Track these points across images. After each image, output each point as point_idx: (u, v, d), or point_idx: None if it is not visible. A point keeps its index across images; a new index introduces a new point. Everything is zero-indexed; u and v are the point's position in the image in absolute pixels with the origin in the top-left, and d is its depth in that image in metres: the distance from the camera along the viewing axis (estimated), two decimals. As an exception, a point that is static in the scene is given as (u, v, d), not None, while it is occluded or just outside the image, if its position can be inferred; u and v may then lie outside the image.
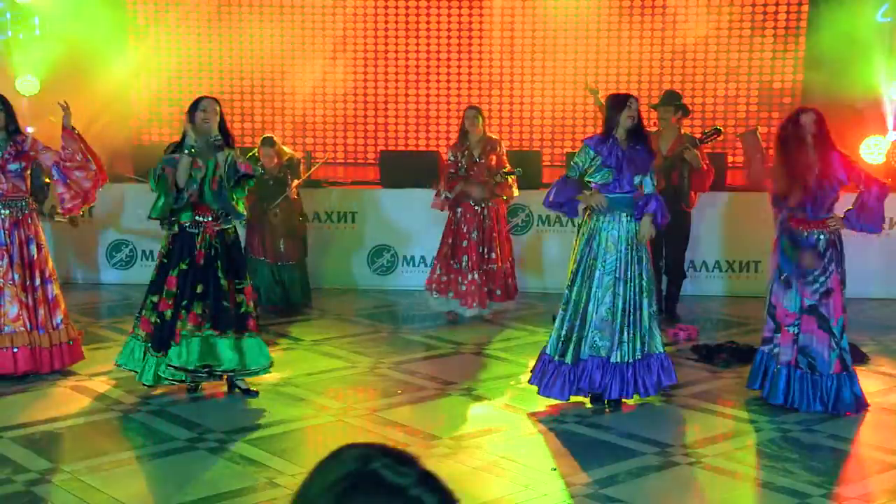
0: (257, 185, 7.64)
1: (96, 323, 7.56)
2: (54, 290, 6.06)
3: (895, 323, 7.60)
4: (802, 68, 10.23)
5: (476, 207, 7.50)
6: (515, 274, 7.73)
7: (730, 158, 9.54)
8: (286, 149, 8.02)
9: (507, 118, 10.65)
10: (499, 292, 7.56)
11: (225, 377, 5.68)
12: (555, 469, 4.62)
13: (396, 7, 10.80)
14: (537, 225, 8.76)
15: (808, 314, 5.42)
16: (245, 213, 5.81)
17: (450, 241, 7.57)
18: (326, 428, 5.28)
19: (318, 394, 5.76)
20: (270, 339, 6.85)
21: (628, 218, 5.39)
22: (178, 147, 5.55)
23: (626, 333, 5.36)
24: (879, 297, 8.12)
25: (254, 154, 7.88)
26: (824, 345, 5.39)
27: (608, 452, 4.83)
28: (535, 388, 5.58)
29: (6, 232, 5.89)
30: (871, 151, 8.83)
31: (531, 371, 5.66)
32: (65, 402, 5.60)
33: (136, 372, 5.62)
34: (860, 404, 5.41)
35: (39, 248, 6.00)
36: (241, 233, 7.41)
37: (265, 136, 8.05)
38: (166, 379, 5.54)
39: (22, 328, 5.88)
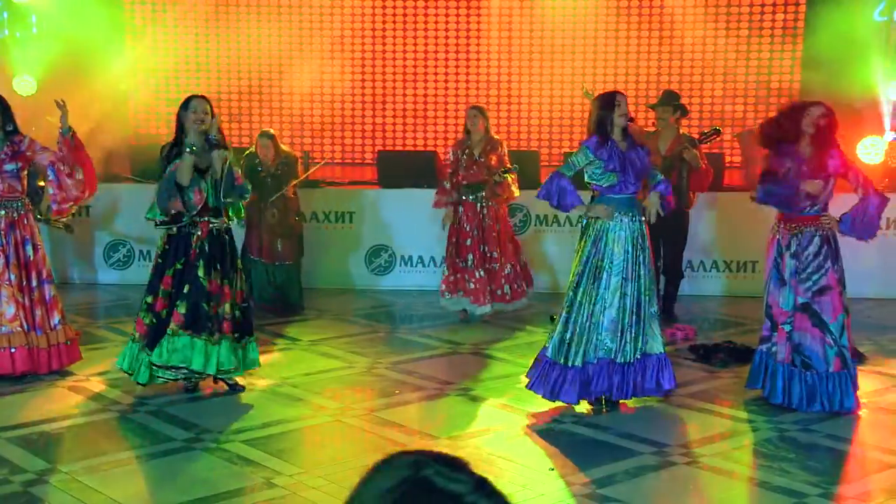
0: (255, 182, 7.66)
1: (94, 323, 7.55)
2: (51, 290, 6.06)
3: (892, 323, 7.61)
4: (800, 68, 10.24)
5: (476, 206, 7.51)
6: (523, 276, 7.66)
7: (727, 158, 9.55)
8: (284, 147, 8.03)
9: (504, 118, 10.65)
10: (499, 292, 7.56)
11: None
12: (552, 469, 4.62)
13: (394, 7, 10.80)
14: (535, 224, 8.76)
15: (801, 312, 5.43)
16: (242, 214, 5.80)
17: (454, 240, 7.59)
18: (324, 428, 5.28)
19: (316, 394, 5.76)
20: (267, 338, 6.86)
21: (632, 218, 5.37)
22: (173, 146, 5.55)
23: (629, 333, 5.35)
24: (876, 297, 8.12)
25: (251, 152, 7.88)
26: (818, 342, 5.39)
27: (606, 452, 4.83)
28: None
29: (2, 232, 5.88)
30: (869, 151, 8.84)
31: (527, 376, 5.55)
32: (62, 402, 5.59)
33: (130, 372, 5.61)
34: (858, 404, 5.41)
35: (36, 248, 5.99)
36: (240, 233, 7.44)
37: (263, 129, 8.06)
38: (160, 378, 5.55)
39: (19, 328, 5.87)
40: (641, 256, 5.38)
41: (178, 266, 5.53)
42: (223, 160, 5.47)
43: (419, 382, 6.02)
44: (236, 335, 5.68)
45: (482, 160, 7.49)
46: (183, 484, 4.41)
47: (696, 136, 7.49)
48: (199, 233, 5.54)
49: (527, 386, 5.51)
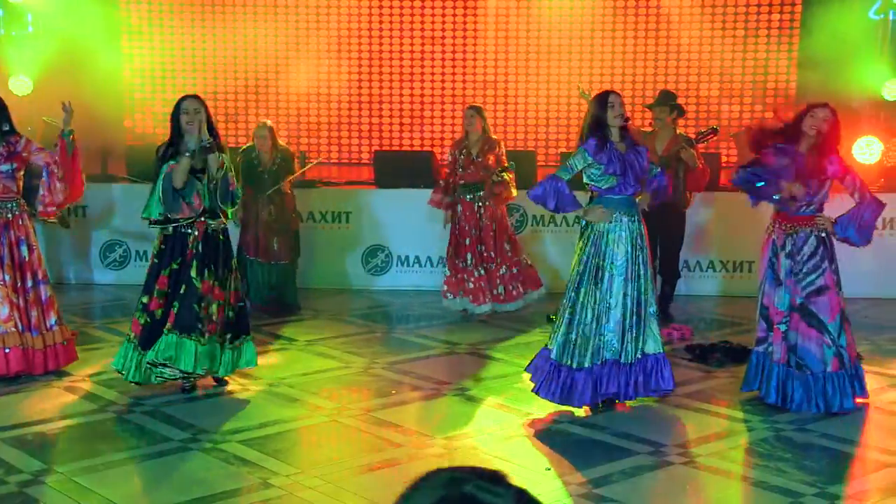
0: (252, 177, 7.67)
1: (90, 323, 7.54)
2: (47, 291, 6.05)
3: (888, 322, 7.62)
4: (796, 68, 10.26)
5: (474, 206, 7.52)
6: (522, 278, 7.64)
7: (724, 158, 9.56)
8: (281, 142, 8.02)
9: (501, 118, 10.66)
10: (495, 292, 7.56)
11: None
12: (549, 469, 4.62)
13: (391, 7, 10.80)
14: (532, 224, 8.76)
15: (797, 312, 5.43)
16: (237, 212, 5.80)
17: (454, 240, 7.60)
18: (320, 428, 5.28)
19: (313, 394, 5.76)
20: (264, 339, 6.86)
21: (630, 218, 5.37)
22: (168, 147, 5.55)
23: (629, 334, 5.35)
24: (872, 297, 8.13)
25: (248, 146, 7.86)
26: (813, 342, 5.39)
27: (602, 452, 4.83)
28: (528, 388, 5.57)
29: None
30: (864, 151, 8.85)
31: (532, 380, 5.48)
32: (58, 402, 5.59)
33: (123, 372, 5.62)
34: (866, 404, 5.41)
35: (31, 249, 5.98)
36: (235, 232, 7.43)
37: (262, 121, 8.05)
38: (158, 378, 5.56)
39: (13, 329, 5.86)
40: (641, 256, 5.37)
41: (175, 266, 5.53)
42: (219, 163, 5.46)
43: (416, 382, 6.02)
44: (228, 336, 5.69)
45: (479, 160, 7.50)
46: (179, 484, 4.41)
47: (693, 136, 7.49)
48: (196, 233, 5.55)
49: (533, 390, 5.43)
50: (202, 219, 5.55)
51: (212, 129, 5.57)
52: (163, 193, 5.46)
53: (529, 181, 8.28)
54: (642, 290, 5.36)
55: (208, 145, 5.42)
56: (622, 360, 5.34)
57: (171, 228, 5.55)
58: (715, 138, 7.73)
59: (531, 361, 5.58)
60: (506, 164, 7.55)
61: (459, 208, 7.56)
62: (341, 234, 8.86)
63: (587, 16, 10.55)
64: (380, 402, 5.61)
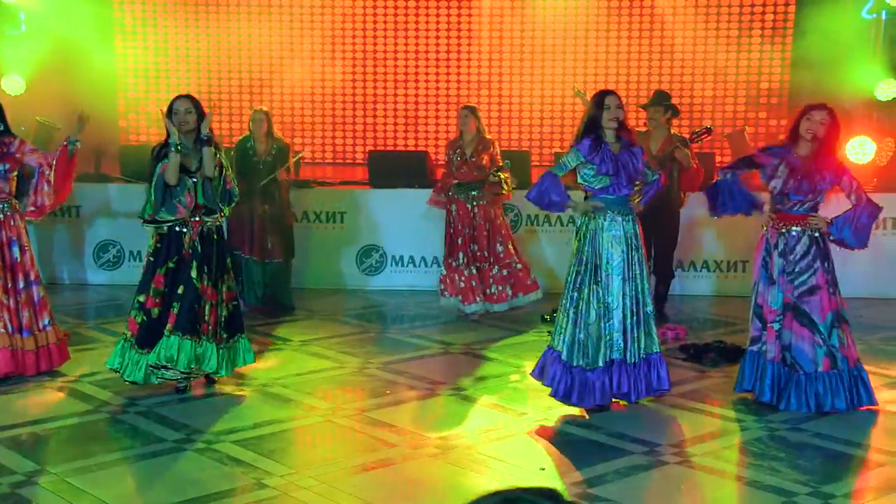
0: (248, 167, 7.67)
1: (84, 324, 7.52)
2: (40, 291, 6.03)
3: (883, 323, 7.64)
4: (789, 68, 10.29)
5: (468, 205, 7.53)
6: (514, 280, 7.63)
7: (718, 158, 9.58)
8: (278, 135, 8.02)
9: (495, 118, 10.66)
10: (488, 292, 7.56)
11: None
12: (543, 469, 4.62)
13: (385, 7, 10.80)
14: (526, 224, 8.76)
15: (790, 311, 5.44)
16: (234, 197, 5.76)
17: (448, 239, 7.61)
18: (315, 428, 5.27)
19: (307, 394, 5.76)
20: (258, 339, 6.84)
21: (625, 218, 5.38)
22: (163, 147, 5.55)
23: (631, 334, 5.36)
24: (867, 296, 8.15)
25: (244, 136, 7.84)
26: (806, 342, 5.40)
27: (597, 452, 4.84)
28: (523, 387, 5.57)
29: None
30: (857, 151, 8.87)
31: (546, 384, 5.43)
32: (51, 403, 5.57)
33: (119, 370, 5.61)
34: (849, 404, 5.41)
35: (23, 250, 5.96)
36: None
37: (258, 107, 8.02)
38: (158, 379, 5.56)
39: (2, 330, 5.84)
40: (636, 256, 5.39)
41: (171, 265, 5.54)
42: (213, 158, 5.45)
43: (410, 382, 6.02)
44: (224, 335, 5.69)
45: (474, 160, 7.51)
46: (173, 485, 4.40)
47: (687, 136, 7.51)
48: (191, 232, 5.54)
49: (551, 394, 5.40)
50: (196, 217, 5.55)
51: (208, 128, 5.56)
52: (155, 192, 5.46)
53: (524, 181, 8.29)
54: (639, 289, 5.38)
55: (205, 138, 5.42)
56: (627, 359, 5.35)
57: (165, 227, 5.54)
58: (709, 138, 7.74)
59: (536, 366, 5.55)
60: (500, 164, 7.55)
61: (454, 207, 7.57)
62: (336, 234, 8.85)
63: (581, 16, 10.56)
64: (374, 403, 5.61)
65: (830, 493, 4.36)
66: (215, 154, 5.47)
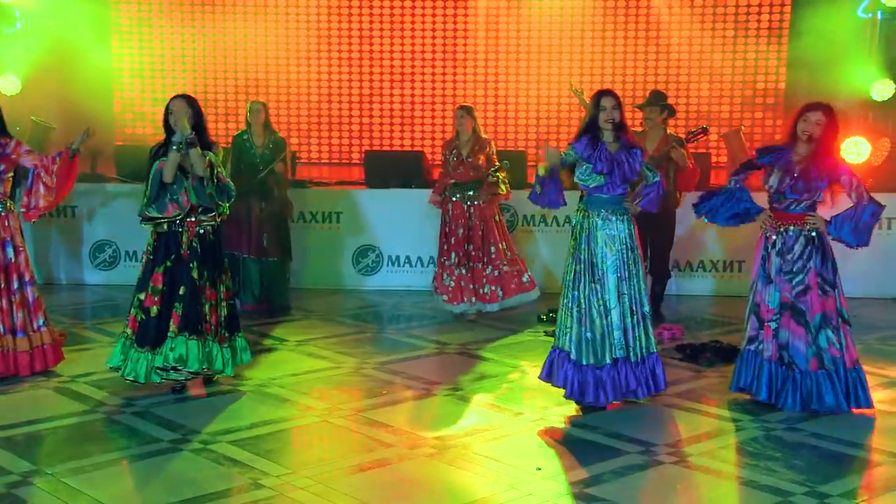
0: (245, 160, 7.67)
1: (80, 324, 7.51)
2: (34, 292, 6.02)
3: (879, 322, 7.66)
4: (785, 68, 10.31)
5: (464, 205, 7.53)
6: (501, 281, 7.63)
7: (714, 158, 9.60)
8: (274, 128, 8.03)
9: (491, 118, 10.68)
10: (481, 291, 7.56)
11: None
12: (540, 469, 4.62)
13: (381, 7, 10.80)
14: (522, 224, 8.76)
15: (787, 310, 5.45)
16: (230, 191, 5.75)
17: (442, 239, 7.61)
18: (311, 428, 5.27)
19: (303, 394, 5.75)
20: (255, 338, 6.84)
21: (619, 217, 5.38)
22: (161, 147, 5.55)
23: (632, 333, 5.38)
24: (864, 296, 8.16)
25: (241, 132, 7.84)
26: (801, 340, 5.42)
27: (593, 452, 4.84)
28: (520, 387, 5.57)
29: None
30: (852, 152, 8.89)
31: (558, 386, 5.43)
32: (47, 403, 5.56)
33: (118, 368, 5.61)
34: (839, 405, 5.42)
35: (17, 250, 5.95)
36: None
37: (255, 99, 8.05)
38: (163, 380, 5.57)
39: None
40: (631, 256, 5.40)
41: (168, 264, 5.55)
42: (202, 158, 5.44)
43: (406, 382, 6.02)
44: (226, 334, 5.72)
45: (470, 160, 7.51)
46: (169, 485, 4.40)
47: (683, 136, 7.51)
48: (188, 232, 5.55)
49: (566, 395, 5.40)
50: (192, 218, 5.55)
51: (202, 129, 5.56)
52: (151, 188, 5.48)
53: (520, 181, 8.31)
54: (636, 289, 5.39)
55: (190, 140, 5.42)
56: (631, 358, 5.37)
57: (165, 226, 5.55)
58: (705, 138, 7.74)
59: (543, 369, 5.55)
60: (497, 164, 7.56)
61: (450, 207, 7.57)
62: (332, 234, 8.85)
63: (578, 16, 10.58)
64: (370, 403, 5.61)
65: (826, 492, 4.37)
66: (204, 154, 5.47)
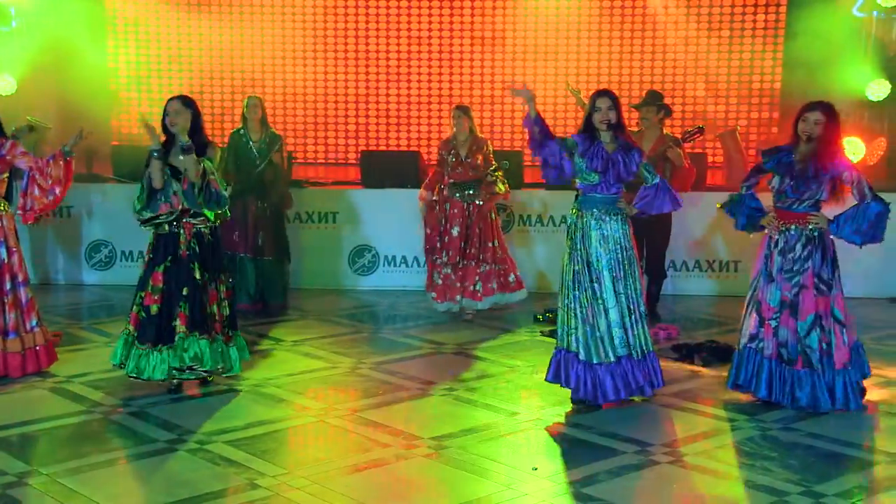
0: (242, 155, 7.67)
1: (76, 324, 7.50)
2: (28, 293, 6.01)
3: (874, 322, 7.67)
4: (781, 68, 10.33)
5: (464, 204, 7.54)
6: (496, 277, 7.64)
7: (710, 158, 9.61)
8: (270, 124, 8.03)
9: (488, 118, 10.68)
10: (472, 289, 7.56)
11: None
12: (536, 468, 4.62)
13: (378, 7, 10.80)
14: (518, 224, 8.77)
15: (786, 308, 5.47)
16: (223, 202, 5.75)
17: (435, 236, 7.62)
18: (307, 429, 5.27)
19: (299, 394, 5.75)
20: (251, 338, 6.83)
21: (613, 217, 5.39)
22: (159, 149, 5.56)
23: (632, 332, 5.39)
24: (862, 296, 8.16)
25: (237, 129, 7.83)
26: (793, 337, 5.44)
27: (589, 452, 4.85)
28: (517, 387, 5.55)
29: None
30: (847, 152, 8.90)
31: (567, 386, 5.44)
32: (43, 403, 5.56)
33: (121, 365, 5.63)
34: (817, 405, 5.42)
35: (11, 251, 5.93)
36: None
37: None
38: (175, 379, 5.61)
39: None
40: (626, 256, 5.41)
41: (168, 263, 5.57)
42: (197, 164, 5.44)
43: (403, 382, 6.02)
44: (228, 332, 5.77)
45: (469, 160, 7.51)
46: (165, 485, 4.39)
47: (679, 136, 7.52)
48: (186, 233, 5.58)
49: (578, 396, 5.41)
50: (187, 220, 5.58)
51: (200, 131, 5.56)
52: (141, 191, 5.54)
53: (516, 181, 8.31)
54: (632, 288, 5.40)
55: (185, 147, 5.42)
56: (633, 356, 5.40)
57: (166, 227, 5.57)
58: (701, 138, 7.76)
59: (549, 371, 5.54)
60: (493, 163, 7.57)
61: (447, 206, 7.57)
62: (328, 234, 8.85)
63: (574, 16, 10.58)
64: (367, 403, 5.61)
65: (822, 492, 4.37)
66: (200, 161, 5.47)
